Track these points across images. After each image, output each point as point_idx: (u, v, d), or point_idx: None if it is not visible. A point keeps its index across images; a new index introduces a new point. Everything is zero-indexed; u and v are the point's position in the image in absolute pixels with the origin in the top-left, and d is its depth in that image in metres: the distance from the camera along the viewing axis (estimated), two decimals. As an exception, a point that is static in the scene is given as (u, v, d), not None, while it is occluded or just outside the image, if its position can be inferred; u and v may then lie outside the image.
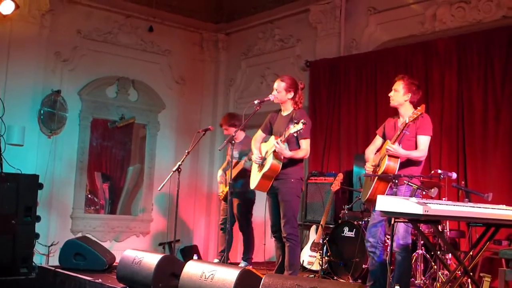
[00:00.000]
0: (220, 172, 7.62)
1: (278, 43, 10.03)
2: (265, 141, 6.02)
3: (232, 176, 6.18)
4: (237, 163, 7.14)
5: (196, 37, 11.02)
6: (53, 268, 6.65)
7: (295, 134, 5.46)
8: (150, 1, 10.18)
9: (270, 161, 5.65)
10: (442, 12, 7.62)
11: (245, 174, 7.07)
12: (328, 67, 8.76)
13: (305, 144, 5.71)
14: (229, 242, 6.93)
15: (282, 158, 5.63)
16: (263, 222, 8.67)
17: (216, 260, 7.29)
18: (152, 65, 10.44)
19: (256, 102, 5.90)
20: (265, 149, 5.90)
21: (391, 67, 7.83)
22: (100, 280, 5.85)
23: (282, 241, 5.81)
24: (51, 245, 8.64)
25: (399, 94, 5.28)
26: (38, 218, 7.80)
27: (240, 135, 7.33)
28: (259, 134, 6.10)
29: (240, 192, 7.19)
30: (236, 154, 7.17)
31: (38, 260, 8.32)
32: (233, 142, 6.10)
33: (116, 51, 10.00)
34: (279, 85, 5.84)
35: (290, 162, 5.69)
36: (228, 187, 7.21)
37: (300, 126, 5.37)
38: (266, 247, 7.34)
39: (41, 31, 9.09)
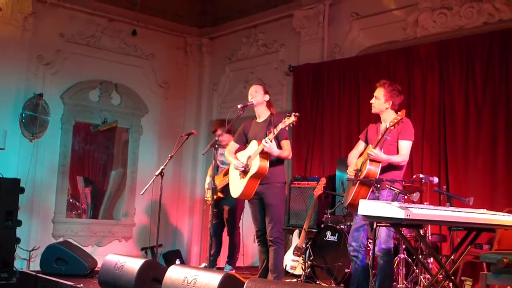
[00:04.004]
0: (208, 179, 7.58)
1: (262, 48, 10.05)
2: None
3: (227, 182, 6.18)
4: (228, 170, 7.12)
5: (180, 41, 11.01)
6: (34, 273, 6.59)
7: (286, 128, 5.48)
8: (134, 4, 10.15)
9: (257, 162, 5.63)
10: (424, 18, 7.68)
11: None
12: (311, 72, 8.79)
13: (287, 145, 5.74)
14: (219, 247, 6.94)
15: (269, 158, 5.64)
16: (249, 227, 8.71)
17: (204, 265, 7.29)
18: (135, 69, 10.41)
19: (239, 106, 5.91)
20: (245, 156, 5.89)
21: (374, 72, 7.87)
22: (81, 285, 5.81)
23: (266, 246, 5.82)
24: (32, 249, 8.57)
25: (380, 102, 5.31)
26: (19, 223, 7.75)
27: (228, 139, 7.33)
28: (233, 145, 6.12)
29: (232, 197, 7.16)
30: (224, 159, 7.19)
31: (19, 265, 8.24)
32: (216, 146, 6.08)
33: (99, 54, 9.96)
34: (255, 88, 5.96)
35: (272, 165, 5.70)
36: (217, 192, 7.22)
37: (292, 118, 5.41)
38: (246, 252, 7.35)
39: (23, 34, 9.03)
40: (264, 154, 5.62)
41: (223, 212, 7.32)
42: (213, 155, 6.16)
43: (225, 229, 7.43)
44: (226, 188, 6.87)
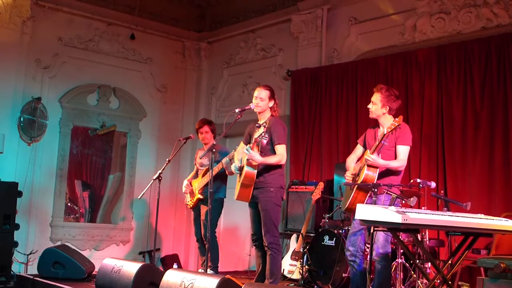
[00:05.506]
0: (185, 182, 7.49)
1: (260, 52, 10.06)
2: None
3: (206, 183, 6.14)
4: (207, 170, 7.08)
5: (178, 46, 11.02)
6: (32, 277, 6.60)
7: (259, 138, 5.52)
8: (132, 8, 10.16)
9: (245, 169, 5.67)
10: (422, 22, 7.69)
11: (216, 180, 7.05)
12: (309, 77, 8.80)
13: (280, 149, 5.70)
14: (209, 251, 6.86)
15: (255, 165, 5.63)
16: (247, 231, 8.71)
17: (201, 271, 7.23)
18: (133, 73, 10.41)
19: (237, 110, 5.89)
20: (240, 158, 5.91)
21: (372, 77, 7.89)
22: (79, 289, 5.83)
23: (262, 250, 5.80)
24: (30, 253, 8.55)
25: (377, 107, 5.32)
26: (17, 226, 7.75)
27: (210, 138, 7.31)
28: (241, 146, 6.08)
29: (211, 199, 7.13)
30: (206, 161, 7.16)
31: (16, 268, 8.23)
32: (213, 150, 6.07)
33: (97, 58, 9.95)
34: (262, 93, 5.86)
35: (267, 170, 5.69)
36: (197, 195, 7.19)
37: (262, 129, 5.44)
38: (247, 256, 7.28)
39: (22, 38, 9.03)
40: (249, 161, 5.64)
41: (205, 214, 7.26)
42: (211, 159, 6.13)
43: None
44: (205, 190, 6.89)
